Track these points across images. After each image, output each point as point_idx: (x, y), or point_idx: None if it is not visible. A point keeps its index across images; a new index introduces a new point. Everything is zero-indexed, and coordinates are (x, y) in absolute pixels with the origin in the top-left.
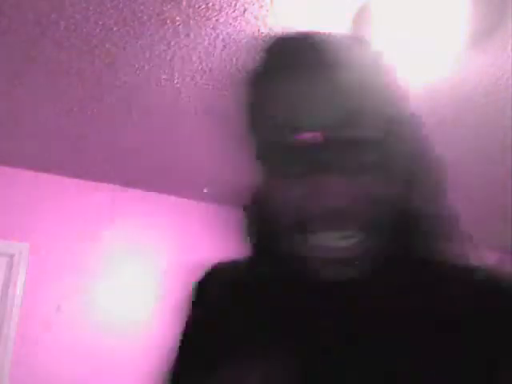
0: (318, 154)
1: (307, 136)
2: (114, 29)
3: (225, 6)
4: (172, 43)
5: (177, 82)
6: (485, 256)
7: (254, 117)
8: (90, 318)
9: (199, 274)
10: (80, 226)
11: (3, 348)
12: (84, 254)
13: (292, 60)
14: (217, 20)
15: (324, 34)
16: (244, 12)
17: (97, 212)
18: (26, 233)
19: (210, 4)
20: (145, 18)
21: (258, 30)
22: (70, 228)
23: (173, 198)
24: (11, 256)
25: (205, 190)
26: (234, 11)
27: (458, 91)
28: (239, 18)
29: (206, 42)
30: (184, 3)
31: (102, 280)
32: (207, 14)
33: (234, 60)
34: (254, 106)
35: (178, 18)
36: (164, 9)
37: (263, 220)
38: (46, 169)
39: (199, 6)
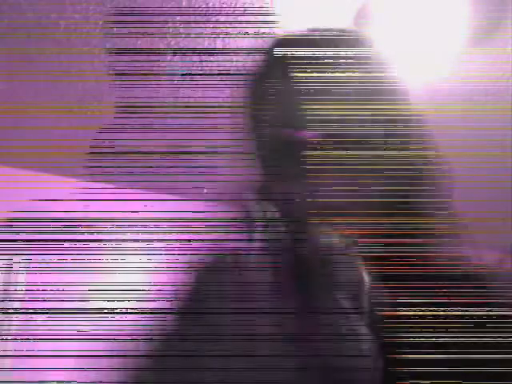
0: (317, 152)
1: (306, 135)
2: (114, 29)
3: (225, 6)
4: (172, 43)
5: (177, 83)
6: (485, 256)
7: (254, 116)
8: (91, 318)
9: (197, 269)
10: (80, 225)
11: (3, 348)
12: (84, 254)
13: (291, 59)
14: (217, 20)
15: (324, 30)
16: (244, 12)
17: (96, 212)
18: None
19: (210, 4)
20: (145, 17)
21: (258, 30)
22: (70, 227)
23: (173, 198)
24: (11, 256)
25: (205, 190)
26: (233, 11)
27: (458, 91)
28: (239, 18)
29: (205, 42)
30: (184, 3)
31: (102, 280)
32: (207, 13)
33: (234, 60)
34: (254, 105)
35: (178, 18)
36: (164, 9)
37: (263, 219)
38: (46, 169)
39: (199, 6)
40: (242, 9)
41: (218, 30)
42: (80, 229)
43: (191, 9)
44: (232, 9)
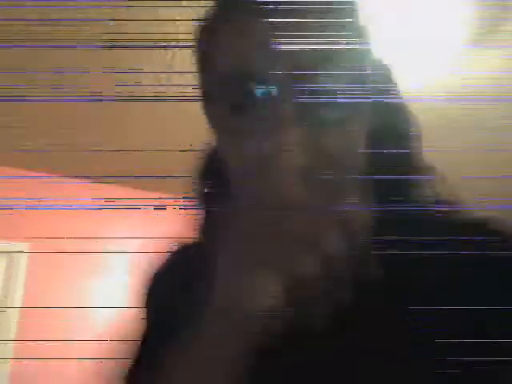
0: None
1: (263, 87)
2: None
3: None
4: (172, 43)
5: (177, 82)
6: None
7: (207, 69)
8: (91, 319)
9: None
10: (80, 225)
11: (3, 348)
12: (84, 254)
13: (242, 9)
14: None
15: None
16: None
17: (97, 211)
18: (26, 233)
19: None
20: (145, 17)
21: None
22: (70, 228)
23: (172, 197)
24: (11, 256)
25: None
26: None
27: (458, 91)
28: None
29: None
30: (184, 3)
31: (102, 280)
32: None
33: None
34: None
35: (178, 18)
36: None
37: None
38: (47, 169)
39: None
40: None
41: None
42: None
43: (191, 9)
44: None
